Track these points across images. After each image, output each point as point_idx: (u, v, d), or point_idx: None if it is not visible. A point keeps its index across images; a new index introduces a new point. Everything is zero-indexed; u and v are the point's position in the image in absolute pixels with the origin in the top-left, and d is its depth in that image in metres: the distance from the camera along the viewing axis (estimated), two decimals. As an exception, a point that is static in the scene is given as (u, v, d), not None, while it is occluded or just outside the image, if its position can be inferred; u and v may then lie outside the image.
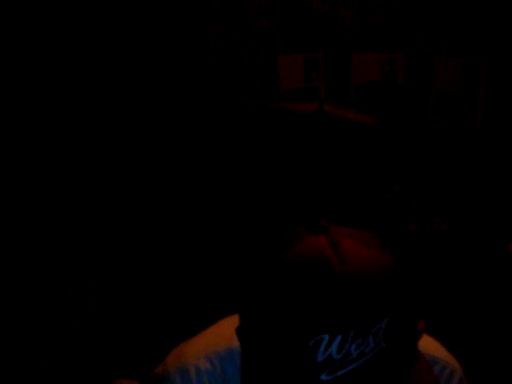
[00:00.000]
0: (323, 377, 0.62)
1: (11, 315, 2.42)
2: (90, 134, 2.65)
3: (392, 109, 2.64)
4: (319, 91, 2.67)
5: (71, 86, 2.63)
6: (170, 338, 1.04)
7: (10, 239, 2.54)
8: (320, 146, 2.22)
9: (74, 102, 2.64)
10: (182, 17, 2.65)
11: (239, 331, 0.73)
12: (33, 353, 2.41)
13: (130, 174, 2.66)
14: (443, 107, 2.63)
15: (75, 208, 2.63)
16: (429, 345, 0.92)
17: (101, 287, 2.54)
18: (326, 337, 0.62)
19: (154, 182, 2.63)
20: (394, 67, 2.62)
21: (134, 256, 2.58)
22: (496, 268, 2.51)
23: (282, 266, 0.68)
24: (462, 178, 2.62)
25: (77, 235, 2.61)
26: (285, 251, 0.69)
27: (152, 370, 0.95)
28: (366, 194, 2.51)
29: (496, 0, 2.55)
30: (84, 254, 2.57)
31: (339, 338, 0.62)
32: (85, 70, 2.63)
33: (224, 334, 0.87)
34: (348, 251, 0.67)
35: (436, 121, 2.63)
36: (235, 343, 0.77)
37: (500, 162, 2.60)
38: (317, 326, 0.62)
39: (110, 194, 2.65)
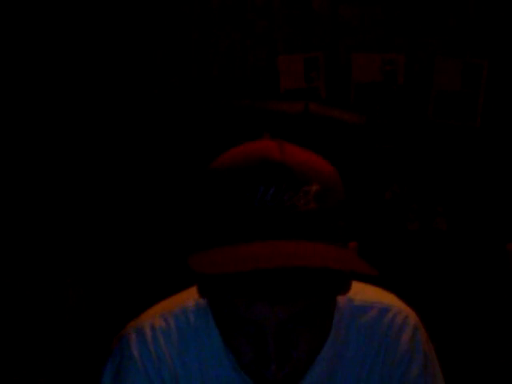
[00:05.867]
0: (260, 220, 0.75)
1: (12, 310, 2.44)
2: (90, 136, 2.65)
3: (392, 109, 2.64)
4: (319, 91, 2.67)
5: (71, 87, 2.63)
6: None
7: (13, 240, 2.55)
8: (310, 146, 2.22)
9: (73, 102, 2.64)
10: (182, 17, 2.65)
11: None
12: (31, 346, 2.42)
13: (129, 175, 2.67)
14: (443, 107, 2.63)
15: (75, 211, 2.64)
16: (381, 295, 0.95)
17: (96, 284, 2.56)
18: (261, 188, 0.75)
19: (152, 183, 2.63)
20: (394, 67, 2.62)
21: (131, 255, 2.58)
22: (495, 268, 2.52)
23: (231, 150, 0.82)
24: (462, 178, 2.62)
25: (75, 235, 2.61)
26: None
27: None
28: (365, 194, 2.51)
29: (496, 0, 2.55)
30: (81, 253, 2.58)
31: (273, 189, 0.75)
32: (84, 70, 2.63)
33: (179, 297, 0.94)
34: (289, 146, 0.81)
35: (436, 121, 2.64)
36: (189, 304, 0.91)
37: (500, 162, 2.61)
38: (253, 180, 0.76)
39: (109, 195, 2.66)
